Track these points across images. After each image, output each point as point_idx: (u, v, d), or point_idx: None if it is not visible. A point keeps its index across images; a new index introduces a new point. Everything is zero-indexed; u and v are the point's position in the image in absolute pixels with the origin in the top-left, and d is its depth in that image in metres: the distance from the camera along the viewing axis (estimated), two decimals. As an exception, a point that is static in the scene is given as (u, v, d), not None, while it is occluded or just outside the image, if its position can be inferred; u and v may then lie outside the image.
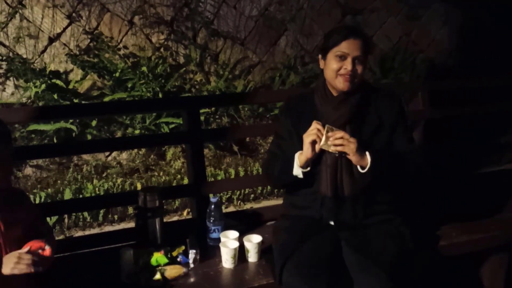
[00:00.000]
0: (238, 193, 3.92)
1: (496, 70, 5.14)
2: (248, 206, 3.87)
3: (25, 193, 1.68)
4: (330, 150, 1.69)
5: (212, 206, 1.99)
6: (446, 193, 2.58)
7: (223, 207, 3.86)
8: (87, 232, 3.45)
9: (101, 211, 3.55)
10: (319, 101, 1.83)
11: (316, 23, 4.99)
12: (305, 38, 4.94)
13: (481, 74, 5.07)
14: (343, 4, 5.10)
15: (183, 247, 1.91)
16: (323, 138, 1.68)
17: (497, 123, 4.66)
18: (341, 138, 1.66)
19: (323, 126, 1.71)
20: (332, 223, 1.80)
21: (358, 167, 1.72)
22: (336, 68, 1.74)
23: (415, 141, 1.91)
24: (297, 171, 1.77)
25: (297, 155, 1.76)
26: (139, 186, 3.72)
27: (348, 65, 1.72)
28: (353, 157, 1.69)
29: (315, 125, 1.70)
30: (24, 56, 4.01)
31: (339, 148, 1.67)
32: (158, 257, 1.83)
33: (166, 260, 1.83)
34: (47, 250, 1.48)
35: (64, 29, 4.16)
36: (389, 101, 1.84)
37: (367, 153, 1.70)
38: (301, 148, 1.81)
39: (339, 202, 1.76)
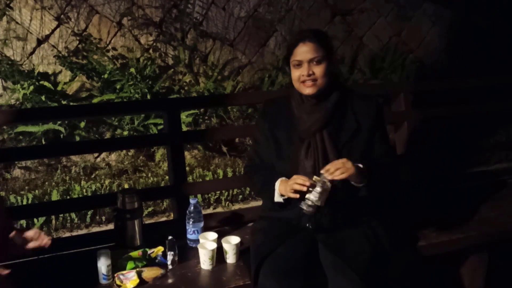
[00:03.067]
0: (226, 194, 3.94)
1: (487, 70, 5.17)
2: (236, 207, 3.88)
3: (1, 197, 1.69)
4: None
5: (191, 208, 2.00)
6: (427, 193, 2.60)
7: (211, 208, 3.91)
8: (74, 234, 3.46)
9: (89, 213, 3.56)
10: (295, 106, 1.83)
11: (305, 24, 5.00)
12: (294, 39, 4.95)
13: (472, 74, 5.09)
14: (332, 4, 5.12)
15: (161, 249, 1.92)
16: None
17: (487, 123, 4.70)
18: (338, 169, 1.61)
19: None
20: (309, 225, 1.82)
21: (353, 183, 1.71)
22: (297, 77, 1.75)
23: (391, 145, 1.93)
24: (278, 199, 1.79)
25: (277, 185, 1.77)
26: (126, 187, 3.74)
27: (304, 70, 1.72)
28: (356, 179, 1.67)
29: (300, 183, 1.64)
30: (12, 58, 4.01)
31: (343, 176, 1.62)
32: (136, 259, 1.84)
33: (144, 262, 1.84)
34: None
35: (53, 30, 4.16)
36: (367, 104, 1.83)
37: (363, 168, 1.69)
38: (277, 154, 1.83)
39: (329, 211, 1.75)
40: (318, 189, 1.63)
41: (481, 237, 2.21)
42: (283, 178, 1.77)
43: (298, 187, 1.64)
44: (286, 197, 1.76)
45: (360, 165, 1.71)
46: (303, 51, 1.71)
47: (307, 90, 1.74)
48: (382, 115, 1.87)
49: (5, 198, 3.50)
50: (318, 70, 1.72)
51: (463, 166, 3.86)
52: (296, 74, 1.75)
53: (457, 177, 2.98)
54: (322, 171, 1.65)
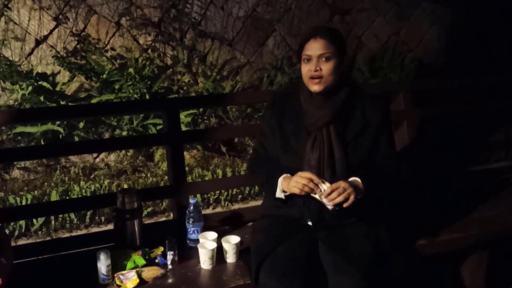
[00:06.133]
0: (225, 193, 3.93)
1: (487, 70, 5.17)
2: (236, 206, 3.88)
3: None
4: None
5: (191, 207, 2.00)
6: (427, 193, 2.59)
7: (210, 208, 3.90)
8: (74, 234, 3.45)
9: (88, 213, 3.55)
10: (303, 99, 1.83)
11: (304, 23, 5.00)
12: (293, 39, 4.94)
13: (470, 73, 5.09)
14: (331, 4, 5.12)
15: (161, 249, 1.92)
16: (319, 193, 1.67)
17: (486, 122, 4.70)
18: (339, 195, 1.63)
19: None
20: (310, 223, 1.82)
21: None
22: (305, 72, 1.75)
23: (395, 144, 1.93)
24: (280, 195, 1.79)
25: (280, 180, 1.77)
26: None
27: (312, 66, 1.72)
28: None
29: (305, 180, 1.66)
30: (11, 58, 4.00)
31: (346, 204, 1.64)
32: (136, 259, 1.84)
33: (143, 262, 1.84)
34: None
35: (51, 31, 4.15)
36: (375, 102, 1.83)
37: (361, 183, 1.71)
38: (282, 146, 1.83)
39: (321, 203, 1.76)
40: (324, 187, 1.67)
41: (482, 236, 2.21)
42: (287, 174, 1.77)
43: (307, 189, 1.66)
44: (288, 193, 1.77)
45: (358, 179, 1.71)
46: (313, 47, 1.72)
47: (314, 87, 1.74)
48: (389, 114, 1.87)
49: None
50: (326, 67, 1.72)
51: (463, 165, 3.85)
52: (305, 69, 1.75)
53: (457, 176, 2.98)
54: (322, 196, 1.66)
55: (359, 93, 1.84)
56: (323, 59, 1.71)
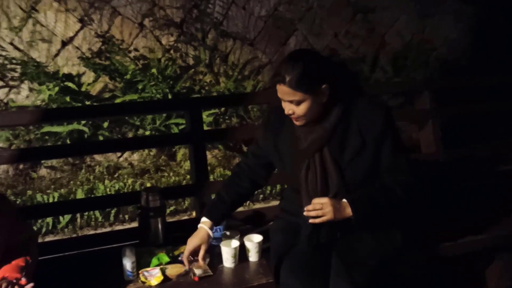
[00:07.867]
0: (247, 193, 3.93)
1: (510, 68, 5.04)
2: (257, 206, 3.88)
3: (5, 197, 1.66)
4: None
5: (214, 206, 2.01)
6: (452, 192, 2.55)
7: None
8: (98, 232, 3.52)
9: (112, 211, 3.61)
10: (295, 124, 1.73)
11: (326, 22, 4.97)
12: (315, 38, 4.93)
13: (495, 72, 4.98)
14: (354, 2, 5.07)
15: (185, 246, 1.93)
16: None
17: (508, 122, 4.58)
18: (315, 211, 1.60)
19: None
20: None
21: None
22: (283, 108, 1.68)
23: (403, 151, 1.74)
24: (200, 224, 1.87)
25: (201, 221, 1.86)
26: (149, 187, 3.77)
27: (285, 107, 1.65)
28: (336, 218, 1.61)
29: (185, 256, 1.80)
30: (38, 59, 4.10)
31: (316, 221, 1.61)
32: (160, 256, 1.86)
33: (167, 259, 1.86)
34: (23, 281, 1.46)
35: (77, 32, 4.24)
36: (373, 115, 1.67)
37: (346, 203, 1.63)
38: (280, 164, 1.81)
39: (327, 225, 1.67)
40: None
41: (508, 237, 2.16)
42: (201, 226, 1.85)
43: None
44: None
45: (345, 201, 1.63)
46: (280, 91, 1.62)
47: (296, 122, 1.68)
48: (391, 123, 1.70)
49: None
50: (298, 110, 1.62)
51: (490, 164, 3.77)
52: (282, 105, 1.68)
53: (483, 175, 2.92)
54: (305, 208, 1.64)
55: (356, 108, 1.67)
56: (292, 102, 1.61)
